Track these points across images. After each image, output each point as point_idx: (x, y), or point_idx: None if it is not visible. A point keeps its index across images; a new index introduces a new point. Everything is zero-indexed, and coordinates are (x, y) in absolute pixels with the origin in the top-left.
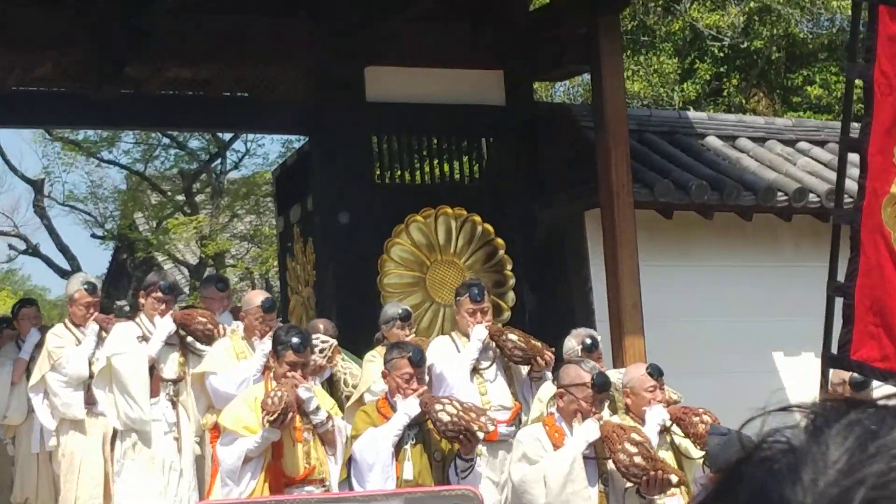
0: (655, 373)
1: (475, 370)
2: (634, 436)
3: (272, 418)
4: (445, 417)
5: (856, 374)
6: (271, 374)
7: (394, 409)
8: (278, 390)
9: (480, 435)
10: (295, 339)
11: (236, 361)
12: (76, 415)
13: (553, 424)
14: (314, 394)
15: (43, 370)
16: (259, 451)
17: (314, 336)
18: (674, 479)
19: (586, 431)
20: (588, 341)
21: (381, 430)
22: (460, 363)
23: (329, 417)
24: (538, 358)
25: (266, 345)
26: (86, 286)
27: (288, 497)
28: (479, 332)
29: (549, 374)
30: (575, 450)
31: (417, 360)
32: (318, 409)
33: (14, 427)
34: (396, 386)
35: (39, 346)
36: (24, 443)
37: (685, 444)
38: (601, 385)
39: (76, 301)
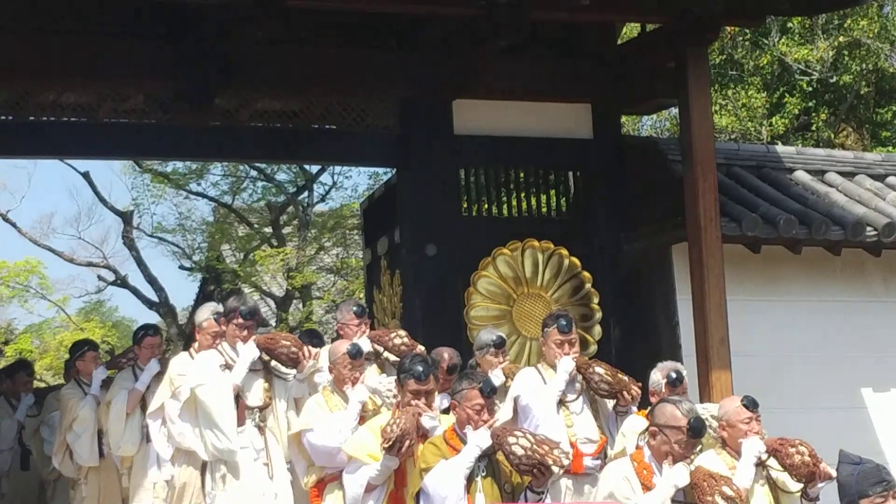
0: (751, 405)
1: (561, 402)
2: (726, 489)
3: (388, 445)
4: (520, 451)
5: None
6: (397, 404)
7: (463, 440)
8: (398, 418)
9: (555, 469)
10: (418, 368)
11: (330, 415)
12: (192, 445)
13: (641, 461)
14: (439, 422)
15: (163, 397)
16: (381, 479)
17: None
18: None
19: (676, 476)
20: (673, 375)
21: (453, 462)
22: (547, 395)
23: None
24: (625, 392)
25: (359, 392)
26: (215, 316)
27: None
28: (567, 363)
29: (634, 409)
30: (663, 495)
31: (488, 391)
32: None
33: (129, 458)
34: (467, 417)
35: (157, 377)
36: (139, 474)
37: (782, 477)
38: (696, 430)
39: (204, 330)
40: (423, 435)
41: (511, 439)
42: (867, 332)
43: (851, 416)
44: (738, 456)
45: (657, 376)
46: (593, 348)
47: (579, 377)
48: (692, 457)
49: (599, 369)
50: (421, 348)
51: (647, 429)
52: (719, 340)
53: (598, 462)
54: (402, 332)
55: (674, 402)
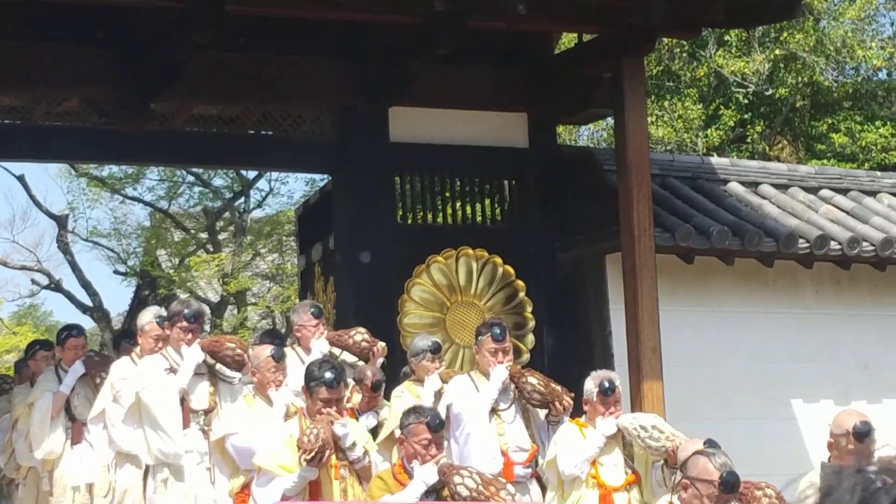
0: (713, 446)
1: (494, 411)
2: None
3: (310, 457)
4: (464, 492)
5: (859, 424)
6: (303, 411)
7: (410, 475)
8: (314, 427)
9: None
10: (328, 375)
11: (254, 417)
12: (132, 449)
13: None
14: (350, 430)
15: (104, 402)
16: (297, 490)
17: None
18: None
19: None
20: (606, 384)
21: (398, 497)
22: (480, 403)
23: (366, 453)
24: (557, 402)
25: (283, 394)
26: (157, 319)
27: None
28: (500, 372)
29: (566, 418)
30: None
31: (435, 426)
32: (354, 444)
33: (50, 462)
34: (414, 452)
35: (81, 379)
36: (65, 477)
37: None
38: (728, 485)
39: (147, 333)
40: (334, 441)
41: (457, 478)
42: (798, 343)
43: (781, 426)
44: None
45: (590, 385)
46: (526, 357)
47: (512, 386)
48: None
49: (532, 379)
50: (381, 344)
51: (678, 482)
52: (651, 350)
53: (529, 470)
54: (362, 329)
55: (707, 455)
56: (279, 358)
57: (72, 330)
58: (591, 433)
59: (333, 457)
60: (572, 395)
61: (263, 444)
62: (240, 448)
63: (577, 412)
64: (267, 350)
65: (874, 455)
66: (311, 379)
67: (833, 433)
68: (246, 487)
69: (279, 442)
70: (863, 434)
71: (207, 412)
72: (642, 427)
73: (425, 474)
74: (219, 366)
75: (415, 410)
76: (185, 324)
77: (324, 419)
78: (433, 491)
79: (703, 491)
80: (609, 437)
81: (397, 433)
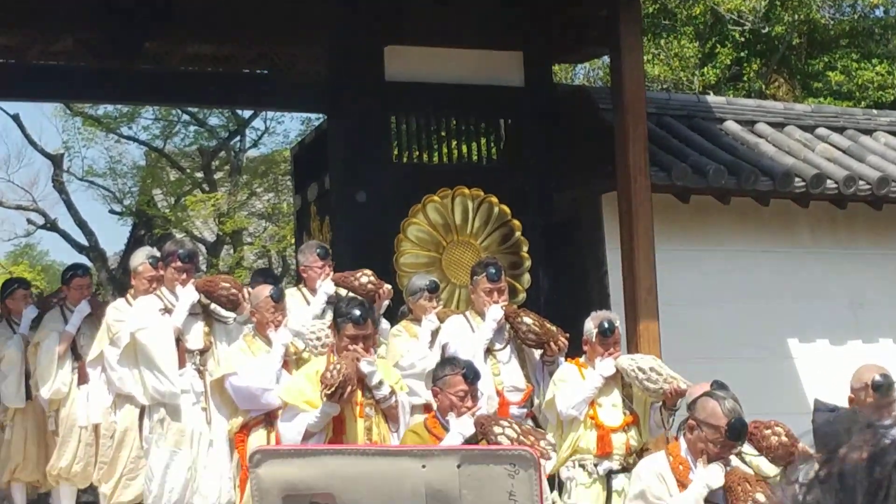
0: (721, 388)
1: (489, 351)
2: (760, 496)
3: (330, 391)
4: (505, 441)
5: (878, 377)
6: (332, 348)
7: (446, 428)
8: (338, 363)
9: (542, 462)
10: (356, 312)
11: (253, 358)
12: (128, 389)
13: (678, 455)
14: (377, 367)
15: (102, 345)
16: (320, 426)
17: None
18: None
19: (710, 477)
20: (605, 325)
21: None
22: (474, 343)
23: (392, 392)
24: (552, 342)
25: (282, 335)
26: (150, 260)
27: (346, 447)
28: (495, 312)
29: (561, 359)
30: (695, 496)
31: (472, 377)
32: (381, 383)
33: (56, 401)
34: (450, 404)
35: (87, 319)
36: (71, 417)
37: (756, 461)
38: (735, 432)
39: (140, 274)
40: (360, 379)
41: (497, 429)
42: (794, 282)
43: (777, 364)
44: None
45: (589, 325)
46: (522, 296)
47: (507, 326)
48: (728, 458)
49: (527, 319)
50: (387, 287)
51: (685, 421)
52: (647, 290)
53: (525, 410)
54: (368, 271)
55: (717, 399)
56: (278, 298)
57: (77, 269)
58: (589, 374)
59: (359, 394)
60: (567, 335)
61: (289, 380)
62: (239, 388)
63: (572, 352)
64: (266, 290)
65: (894, 406)
66: (339, 315)
67: (853, 387)
68: (245, 427)
69: (304, 378)
70: (881, 386)
71: (203, 352)
72: (640, 369)
73: (462, 426)
74: (213, 306)
75: (450, 362)
76: (179, 264)
77: (349, 356)
78: (470, 443)
79: (710, 436)
80: (607, 377)
81: (394, 372)
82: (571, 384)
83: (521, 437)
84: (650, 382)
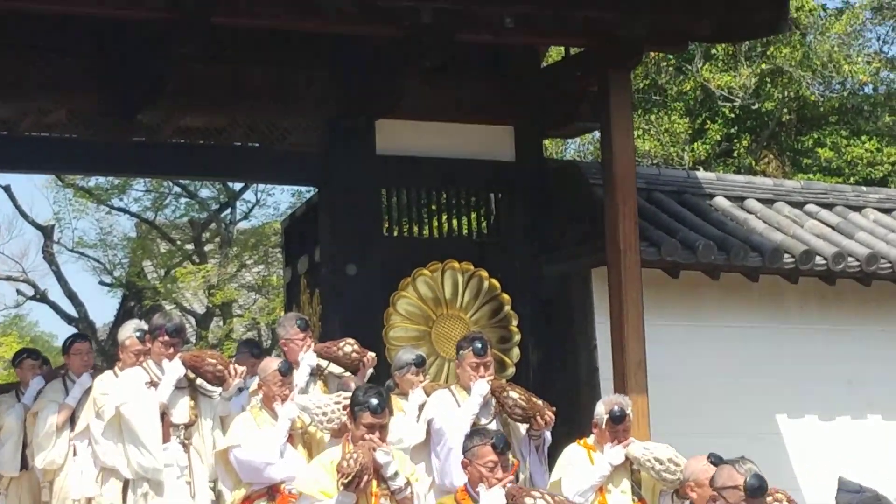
0: (718, 462)
1: (475, 425)
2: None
3: (346, 481)
4: None
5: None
6: (349, 437)
7: (475, 500)
8: (355, 453)
9: None
10: (373, 401)
11: (259, 431)
12: (112, 463)
13: None
14: (393, 458)
15: (88, 418)
16: None
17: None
18: None
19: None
20: (616, 410)
21: None
22: (460, 418)
23: (408, 483)
24: (538, 417)
25: (288, 409)
26: (138, 334)
27: None
28: (481, 386)
29: (548, 434)
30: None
31: (501, 447)
32: (396, 474)
33: (52, 472)
34: (480, 475)
35: (88, 392)
36: (65, 489)
37: None
38: (753, 488)
39: (127, 348)
40: (376, 469)
41: (528, 500)
42: (784, 359)
43: (766, 442)
44: None
45: (600, 409)
46: (511, 370)
47: (494, 400)
48: None
49: (514, 393)
50: (371, 354)
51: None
52: (636, 364)
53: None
54: (351, 340)
55: (731, 463)
56: (286, 372)
57: (77, 337)
58: (598, 459)
59: (374, 485)
60: (554, 409)
61: (305, 469)
62: (242, 461)
63: (562, 429)
64: (274, 364)
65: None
66: (356, 403)
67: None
68: (247, 500)
69: (320, 467)
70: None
71: (188, 426)
72: (657, 459)
73: (492, 498)
74: (199, 381)
75: (478, 433)
76: (166, 338)
77: (366, 445)
78: None
79: (730, 497)
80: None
81: (409, 462)
82: (580, 469)
83: None
84: (668, 473)
